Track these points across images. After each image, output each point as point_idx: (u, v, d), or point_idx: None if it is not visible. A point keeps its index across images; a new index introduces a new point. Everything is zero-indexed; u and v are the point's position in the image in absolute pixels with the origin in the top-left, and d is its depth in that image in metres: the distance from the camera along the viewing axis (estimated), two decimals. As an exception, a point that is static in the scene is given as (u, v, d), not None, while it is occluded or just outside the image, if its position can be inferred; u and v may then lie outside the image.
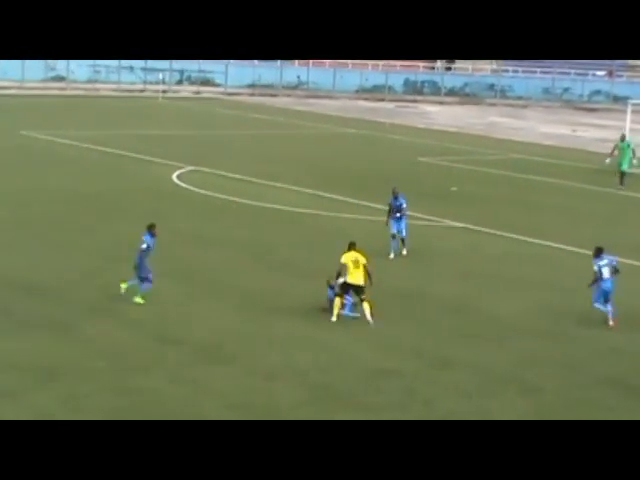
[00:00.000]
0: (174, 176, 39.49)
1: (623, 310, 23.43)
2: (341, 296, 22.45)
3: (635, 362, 20.83)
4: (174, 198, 35.37)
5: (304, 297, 23.31)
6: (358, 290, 22.45)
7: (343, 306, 22.55)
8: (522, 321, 23.10)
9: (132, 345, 19.97)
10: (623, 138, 45.74)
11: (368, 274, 22.56)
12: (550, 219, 35.73)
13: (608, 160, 45.09)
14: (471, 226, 32.83)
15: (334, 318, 22.22)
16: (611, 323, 22.97)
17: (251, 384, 18.26)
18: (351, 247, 22.86)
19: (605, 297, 23.13)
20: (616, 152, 45.19)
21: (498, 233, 31.99)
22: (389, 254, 28.22)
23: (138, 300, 22.30)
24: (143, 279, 22.34)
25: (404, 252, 28.53)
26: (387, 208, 29.37)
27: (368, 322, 22.12)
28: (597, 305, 23.25)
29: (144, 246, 22.41)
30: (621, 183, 43.73)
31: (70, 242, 28.05)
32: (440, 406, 17.74)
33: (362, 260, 22.53)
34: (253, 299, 23.31)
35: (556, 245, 31.00)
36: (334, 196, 37.10)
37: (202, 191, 36.73)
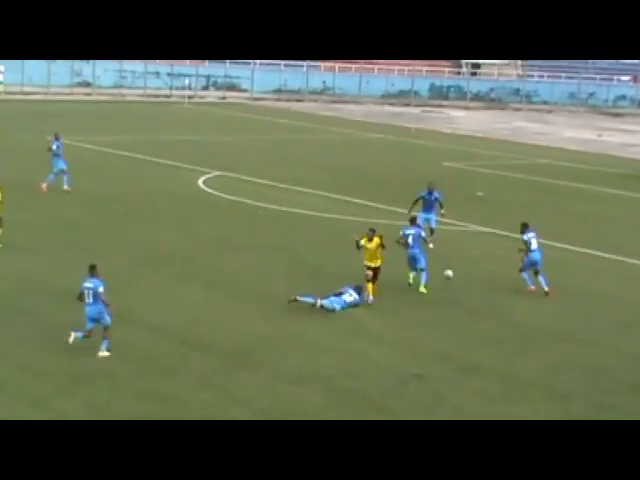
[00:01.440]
0: (200, 181, 39.48)
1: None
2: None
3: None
4: (200, 203, 35.34)
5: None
6: (376, 271, 23.70)
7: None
8: (550, 326, 22.90)
9: (157, 350, 19.91)
10: None
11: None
12: (578, 224, 35.49)
13: None
14: (498, 231, 32.67)
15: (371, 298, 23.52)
16: (532, 287, 24.84)
17: (277, 390, 18.17)
18: (374, 234, 23.93)
19: (534, 267, 24.86)
20: None
21: (524, 238, 31.76)
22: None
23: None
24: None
25: (430, 245, 27.00)
26: (415, 198, 29.65)
27: (370, 301, 23.30)
28: (525, 276, 25.02)
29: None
30: None
31: (99, 247, 28.04)
32: (466, 411, 17.59)
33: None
34: (279, 304, 23.23)
35: (584, 250, 30.76)
36: (360, 201, 36.99)
37: (228, 196, 36.71)
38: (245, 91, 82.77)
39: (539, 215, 36.43)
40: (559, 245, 31.41)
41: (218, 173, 41.66)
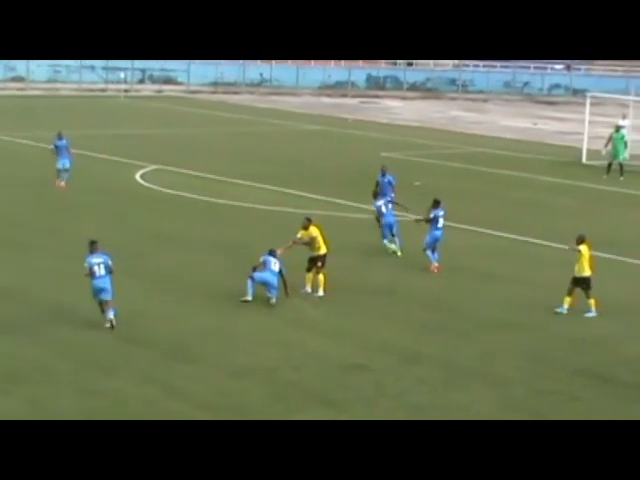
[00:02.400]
0: (137, 175, 39.24)
1: (600, 299, 23.53)
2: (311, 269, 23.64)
3: (599, 352, 20.91)
4: (138, 197, 35.12)
5: (278, 296, 23.15)
6: (323, 260, 23.65)
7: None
8: (490, 314, 23.10)
9: (96, 346, 19.76)
10: (618, 129, 45.63)
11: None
12: (515, 212, 35.79)
13: (604, 151, 45.08)
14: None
15: (308, 289, 23.65)
16: (435, 265, 25.97)
17: (219, 383, 18.14)
18: (310, 223, 23.85)
19: (433, 245, 26.04)
20: (610, 145, 45.08)
21: (463, 227, 31.98)
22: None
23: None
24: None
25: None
26: (374, 188, 30.20)
27: (319, 295, 23.34)
28: (428, 252, 26.03)
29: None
30: (621, 174, 43.82)
31: (34, 243, 27.76)
32: (408, 400, 17.70)
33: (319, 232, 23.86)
34: (220, 297, 23.16)
35: (522, 238, 31.04)
36: (300, 193, 36.99)
37: (166, 190, 36.50)
38: (181, 84, 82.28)
39: (475, 203, 36.75)
40: (495, 233, 31.67)
41: (155, 167, 41.43)
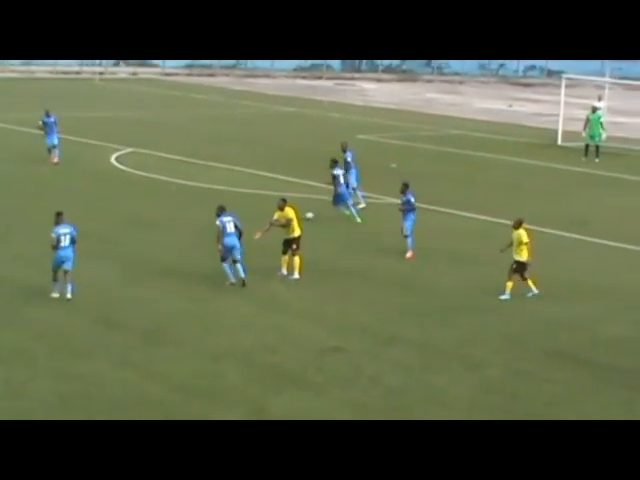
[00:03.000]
0: (113, 158, 39.04)
1: (565, 281, 23.58)
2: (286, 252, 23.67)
3: (574, 334, 21.00)
4: (113, 180, 34.94)
5: (248, 277, 23.13)
6: (297, 242, 23.62)
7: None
8: (465, 297, 23.15)
9: (73, 329, 19.71)
10: (594, 110, 45.68)
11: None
12: (490, 194, 35.80)
13: (584, 134, 45.13)
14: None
15: (284, 271, 23.67)
16: (409, 254, 25.80)
17: (196, 366, 18.11)
18: (285, 203, 23.89)
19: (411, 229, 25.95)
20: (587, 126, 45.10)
21: (439, 209, 32.01)
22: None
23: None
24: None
25: (361, 205, 30.87)
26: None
27: (295, 277, 23.39)
28: (410, 239, 25.89)
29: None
30: (596, 156, 43.92)
31: (7, 227, 27.58)
32: (386, 382, 17.73)
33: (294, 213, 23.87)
34: (197, 281, 23.11)
35: (497, 220, 31.09)
36: (275, 175, 36.92)
37: (142, 173, 36.33)
38: (156, 67, 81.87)
39: (451, 186, 36.79)
40: (471, 215, 31.73)
41: (131, 150, 41.21)
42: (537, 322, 21.63)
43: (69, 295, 21.17)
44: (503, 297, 22.78)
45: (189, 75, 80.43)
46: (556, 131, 49.03)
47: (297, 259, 23.63)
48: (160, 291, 22.38)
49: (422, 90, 76.82)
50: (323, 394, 17.00)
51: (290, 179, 36.18)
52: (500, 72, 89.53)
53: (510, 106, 67.03)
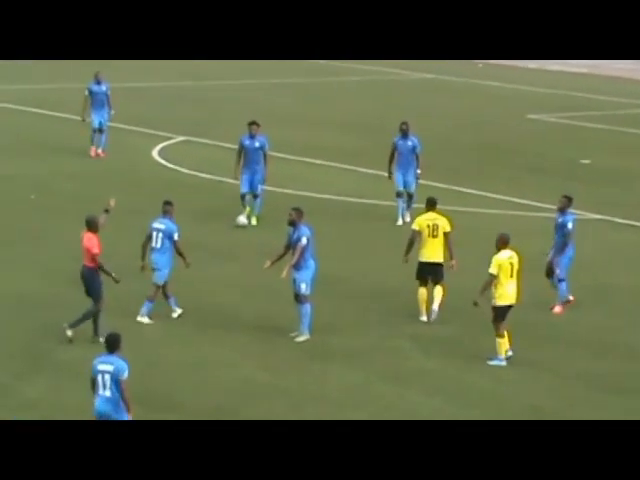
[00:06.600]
0: (155, 152, 39.21)
1: None
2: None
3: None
4: (155, 183, 34.37)
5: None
6: (437, 271, 23.98)
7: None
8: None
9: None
10: None
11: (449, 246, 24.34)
12: None
13: None
14: (618, 219, 32.21)
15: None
16: (558, 309, 25.27)
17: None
18: (433, 204, 24.33)
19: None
20: None
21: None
22: (396, 220, 30.62)
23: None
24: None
25: (407, 218, 30.18)
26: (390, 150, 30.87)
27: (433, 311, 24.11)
28: (563, 286, 24.90)
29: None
30: None
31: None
32: None
33: (444, 226, 24.04)
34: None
35: None
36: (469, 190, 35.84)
37: (193, 172, 36.37)
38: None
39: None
40: None
41: (182, 138, 41.73)
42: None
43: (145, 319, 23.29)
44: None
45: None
46: None
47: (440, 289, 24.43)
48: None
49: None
50: None
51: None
52: None
53: None
